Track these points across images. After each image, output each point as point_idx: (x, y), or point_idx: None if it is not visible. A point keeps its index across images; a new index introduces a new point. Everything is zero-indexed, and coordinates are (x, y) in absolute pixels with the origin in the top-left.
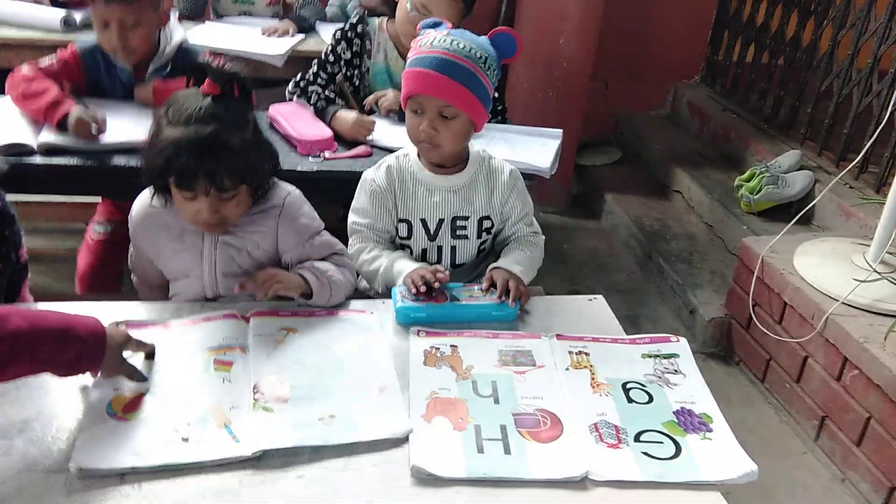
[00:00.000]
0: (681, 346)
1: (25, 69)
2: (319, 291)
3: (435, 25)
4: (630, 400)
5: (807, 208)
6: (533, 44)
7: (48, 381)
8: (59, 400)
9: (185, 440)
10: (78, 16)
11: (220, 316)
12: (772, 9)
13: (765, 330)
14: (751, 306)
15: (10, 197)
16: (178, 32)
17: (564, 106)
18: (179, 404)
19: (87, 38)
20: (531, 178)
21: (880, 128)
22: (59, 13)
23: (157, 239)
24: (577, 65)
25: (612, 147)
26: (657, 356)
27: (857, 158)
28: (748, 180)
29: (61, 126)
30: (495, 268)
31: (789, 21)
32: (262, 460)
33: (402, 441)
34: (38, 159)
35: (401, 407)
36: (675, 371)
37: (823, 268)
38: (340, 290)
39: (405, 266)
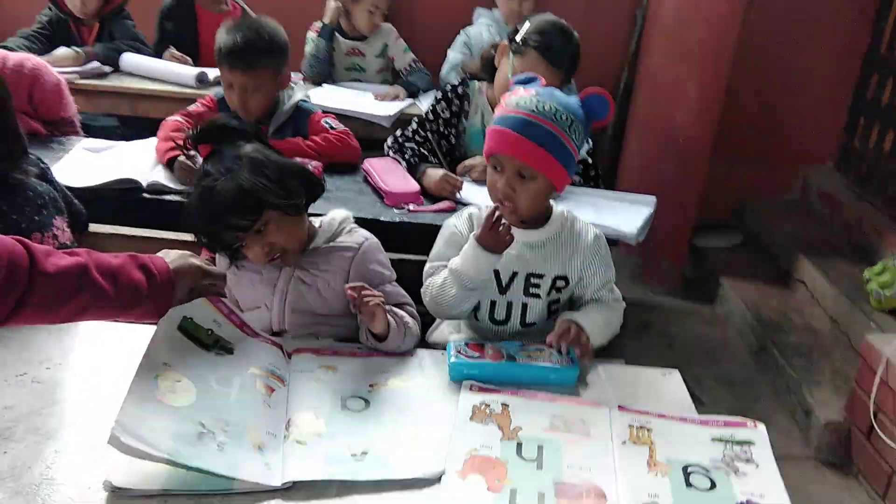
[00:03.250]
0: (758, 432)
1: (174, 117)
2: (395, 335)
3: (528, 81)
4: (689, 484)
5: None
6: (649, 117)
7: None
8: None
9: (220, 449)
10: (211, 74)
11: (271, 342)
12: None
13: (888, 440)
14: (872, 412)
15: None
16: (298, 94)
17: (680, 183)
18: (222, 408)
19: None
20: (621, 246)
21: None
22: (195, 71)
23: (237, 270)
24: (695, 142)
25: (732, 230)
26: (729, 441)
27: None
28: (879, 274)
29: (170, 167)
30: (567, 320)
31: None
32: (290, 492)
33: (433, 483)
34: (144, 195)
35: (436, 450)
36: (748, 460)
37: None
38: (411, 337)
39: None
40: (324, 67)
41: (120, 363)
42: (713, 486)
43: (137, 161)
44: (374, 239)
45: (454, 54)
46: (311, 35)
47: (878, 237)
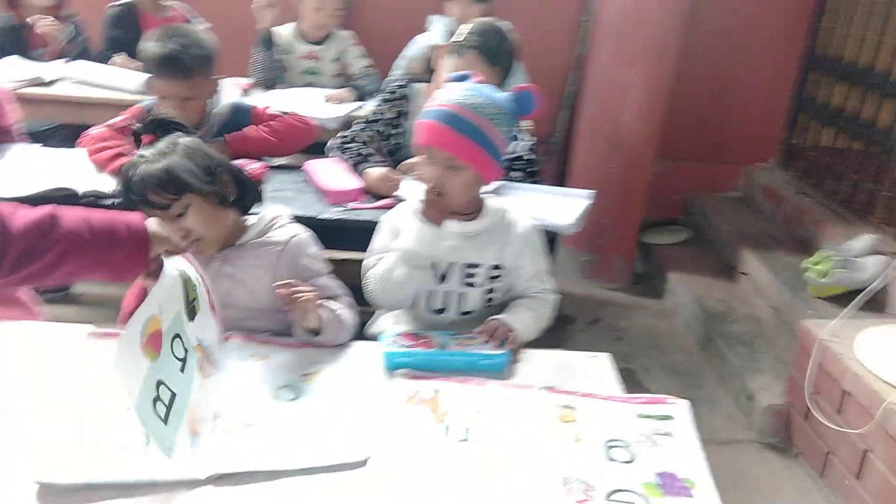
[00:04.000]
0: (678, 408)
1: (98, 129)
2: (329, 328)
3: (461, 79)
4: (610, 458)
5: (872, 291)
6: (596, 118)
7: None
8: None
9: (164, 421)
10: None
11: (218, 321)
12: (849, 91)
13: (824, 420)
14: (809, 393)
15: None
16: (227, 96)
17: (627, 183)
18: (173, 377)
19: (148, 101)
20: (571, 243)
21: None
22: (142, 77)
23: None
24: (641, 143)
25: (679, 227)
26: (650, 417)
27: None
28: (816, 263)
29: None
30: (494, 319)
31: (866, 104)
32: (219, 480)
33: (359, 466)
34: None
35: (364, 436)
36: (668, 434)
37: (887, 354)
38: (347, 330)
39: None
40: (269, 74)
41: (40, 360)
42: (633, 458)
43: (71, 169)
44: (305, 234)
45: (402, 62)
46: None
47: (818, 229)
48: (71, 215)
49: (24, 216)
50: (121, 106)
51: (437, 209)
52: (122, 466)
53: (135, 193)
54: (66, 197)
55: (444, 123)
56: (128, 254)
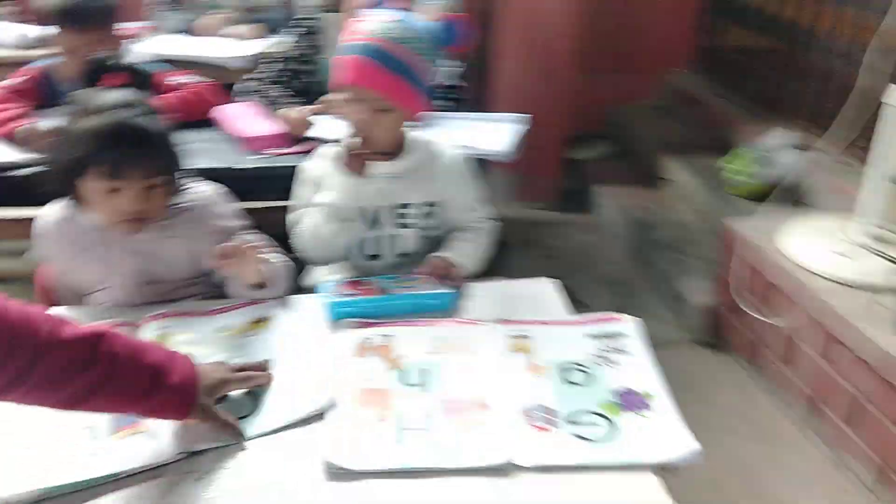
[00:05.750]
0: (628, 325)
1: None
2: (273, 278)
3: (376, 5)
4: (567, 381)
5: (787, 185)
6: (514, 39)
7: None
8: None
9: None
10: (33, 33)
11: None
12: None
13: (751, 313)
14: (736, 289)
15: None
16: (134, 55)
17: (549, 100)
18: None
19: (44, 61)
20: (497, 165)
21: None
22: (19, 29)
23: (68, 252)
24: (562, 59)
25: (603, 140)
26: (602, 336)
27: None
28: (735, 162)
29: (16, 140)
30: (434, 256)
31: (771, 1)
32: (181, 463)
33: (318, 420)
34: None
35: (318, 391)
36: (620, 350)
37: (807, 244)
38: (287, 279)
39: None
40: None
41: None
42: (589, 379)
43: None
44: (212, 191)
45: None
46: None
47: (734, 129)
48: (122, 341)
49: (73, 330)
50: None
51: (360, 158)
52: (76, 467)
53: (108, 147)
54: None
55: (372, 60)
56: (169, 399)
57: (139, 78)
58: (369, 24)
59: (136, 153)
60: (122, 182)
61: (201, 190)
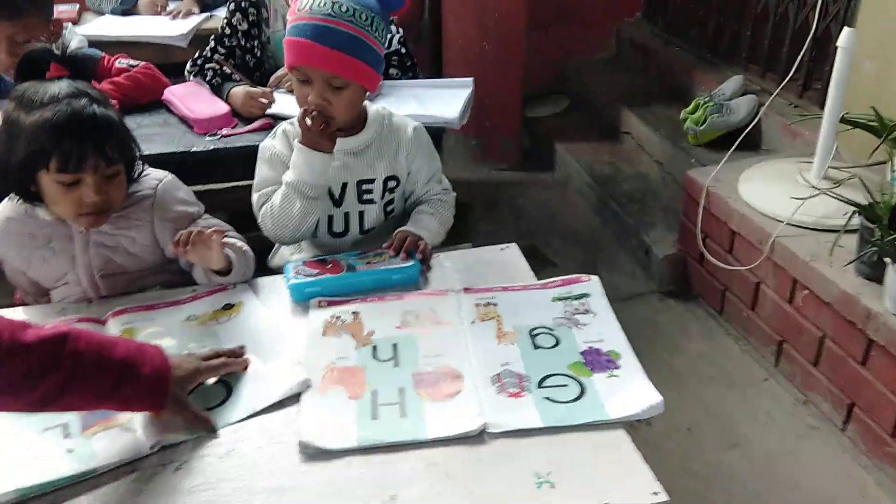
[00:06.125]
0: (592, 284)
1: None
2: (238, 263)
3: None
4: (536, 346)
5: (746, 132)
6: (465, 0)
7: None
8: None
9: None
10: None
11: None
12: None
13: (717, 261)
14: (701, 239)
15: None
16: (74, 41)
17: (502, 58)
18: None
19: None
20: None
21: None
22: None
23: (23, 250)
24: (510, 15)
25: (559, 96)
26: (567, 298)
27: (790, 75)
28: (693, 112)
29: None
30: (400, 231)
31: None
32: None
33: (293, 403)
34: None
35: (292, 371)
36: (586, 311)
37: (768, 191)
38: (249, 262)
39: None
40: None
41: None
42: (558, 342)
43: None
44: (168, 177)
45: None
46: None
47: (689, 78)
48: (87, 338)
49: (35, 333)
50: None
51: (323, 135)
52: (52, 466)
53: (67, 138)
54: None
55: (319, 41)
56: (141, 392)
57: (83, 65)
58: (316, 1)
59: (93, 143)
60: (81, 174)
61: (157, 175)
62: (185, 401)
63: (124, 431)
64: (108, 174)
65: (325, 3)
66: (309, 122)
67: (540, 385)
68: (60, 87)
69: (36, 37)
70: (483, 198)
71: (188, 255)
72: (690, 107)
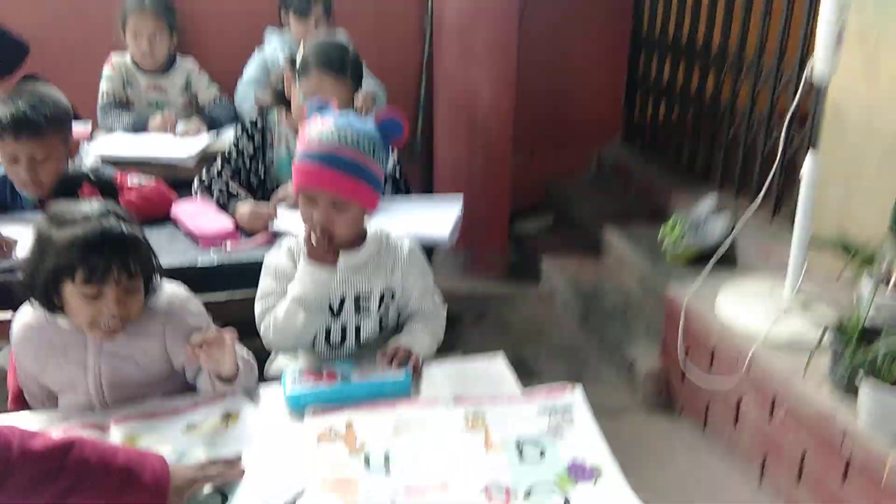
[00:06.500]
0: (575, 395)
1: None
2: (244, 372)
3: (322, 108)
4: (522, 457)
5: (722, 252)
6: (450, 120)
7: None
8: None
9: None
10: None
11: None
12: (675, 66)
13: (697, 378)
14: (682, 355)
15: None
16: (88, 160)
17: (490, 178)
18: None
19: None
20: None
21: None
22: None
23: (39, 355)
24: (497, 137)
25: (545, 212)
26: (552, 410)
27: (761, 198)
28: (670, 231)
29: None
30: (393, 343)
31: (692, 76)
32: None
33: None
34: None
35: (286, 481)
36: (570, 422)
37: (744, 309)
38: (255, 372)
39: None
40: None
41: None
42: (543, 454)
43: None
44: (180, 290)
45: (250, 71)
46: (108, 71)
47: (667, 198)
48: (92, 446)
49: (43, 442)
50: None
51: (329, 251)
52: None
53: (91, 254)
54: None
55: (326, 166)
56: (143, 498)
57: (110, 184)
58: (324, 131)
59: (118, 258)
60: (105, 287)
61: (170, 289)
62: None
63: None
64: (128, 288)
65: (332, 134)
66: (314, 239)
67: (527, 498)
68: (92, 206)
69: (55, 156)
70: (471, 309)
71: (202, 357)
72: (668, 226)
